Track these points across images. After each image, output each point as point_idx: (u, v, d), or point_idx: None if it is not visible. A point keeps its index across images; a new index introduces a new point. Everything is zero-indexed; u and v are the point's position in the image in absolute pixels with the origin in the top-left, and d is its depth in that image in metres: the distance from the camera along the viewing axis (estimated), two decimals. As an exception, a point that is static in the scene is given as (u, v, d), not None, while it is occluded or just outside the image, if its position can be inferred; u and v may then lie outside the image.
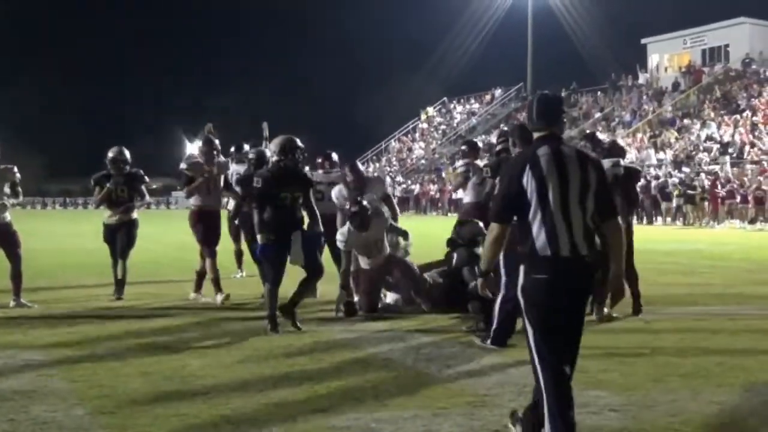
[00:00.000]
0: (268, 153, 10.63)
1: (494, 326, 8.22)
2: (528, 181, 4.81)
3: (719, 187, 34.26)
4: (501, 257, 6.11)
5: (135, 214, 11.89)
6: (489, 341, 8.22)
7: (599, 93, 60.33)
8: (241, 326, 9.51)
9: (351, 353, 8.00)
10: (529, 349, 4.88)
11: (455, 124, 70.11)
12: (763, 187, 32.26)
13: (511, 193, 4.89)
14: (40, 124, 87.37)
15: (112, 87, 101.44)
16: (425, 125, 71.16)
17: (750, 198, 32.70)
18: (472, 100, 72.65)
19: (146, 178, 12.18)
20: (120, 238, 11.65)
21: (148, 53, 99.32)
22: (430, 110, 73.37)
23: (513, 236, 5.00)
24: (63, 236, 27.09)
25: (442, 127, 70.40)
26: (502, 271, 8.03)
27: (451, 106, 74.05)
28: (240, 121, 71.69)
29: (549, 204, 4.78)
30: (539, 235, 4.78)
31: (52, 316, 10.12)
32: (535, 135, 5.10)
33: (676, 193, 34.97)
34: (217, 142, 11.57)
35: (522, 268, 4.92)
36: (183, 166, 11.60)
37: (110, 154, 11.79)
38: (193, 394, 6.44)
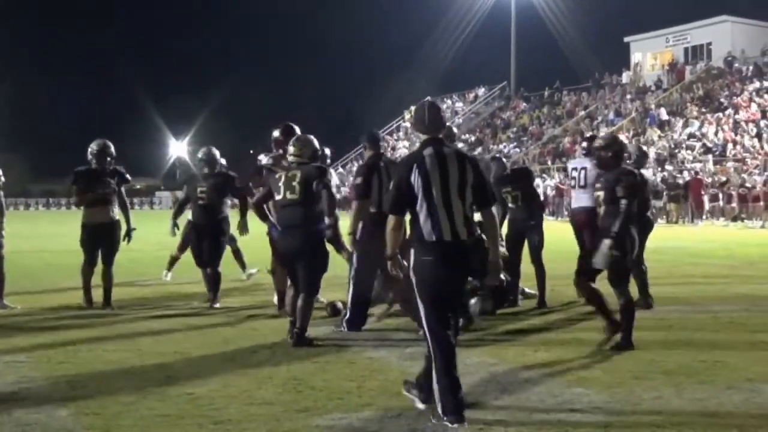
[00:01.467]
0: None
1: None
2: (415, 179, 5.77)
3: (703, 185, 34.48)
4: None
5: (116, 215, 10.94)
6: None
7: (583, 92, 60.48)
8: (226, 328, 9.52)
9: (335, 353, 7.99)
10: (419, 321, 6.00)
11: (439, 123, 70.17)
12: (747, 185, 32.43)
13: (402, 189, 5.84)
14: (22, 124, 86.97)
15: (94, 87, 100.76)
16: (409, 124, 71.14)
17: (734, 195, 32.85)
18: (456, 99, 72.77)
19: (128, 176, 11.36)
20: (104, 242, 10.77)
21: (132, 54, 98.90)
22: (414, 108, 73.27)
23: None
24: (47, 237, 27.03)
25: (426, 125, 70.44)
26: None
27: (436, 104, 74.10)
28: (224, 121, 71.83)
29: (433, 197, 5.75)
30: (426, 224, 5.76)
31: (35, 318, 10.12)
32: (423, 137, 6.08)
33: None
34: None
35: (412, 251, 5.87)
36: (265, 160, 10.58)
37: (94, 147, 10.88)
38: (177, 394, 6.44)
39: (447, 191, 5.76)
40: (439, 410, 5.60)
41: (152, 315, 10.37)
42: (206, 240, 10.86)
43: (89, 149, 10.93)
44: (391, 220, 5.91)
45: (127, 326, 9.61)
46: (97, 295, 10.87)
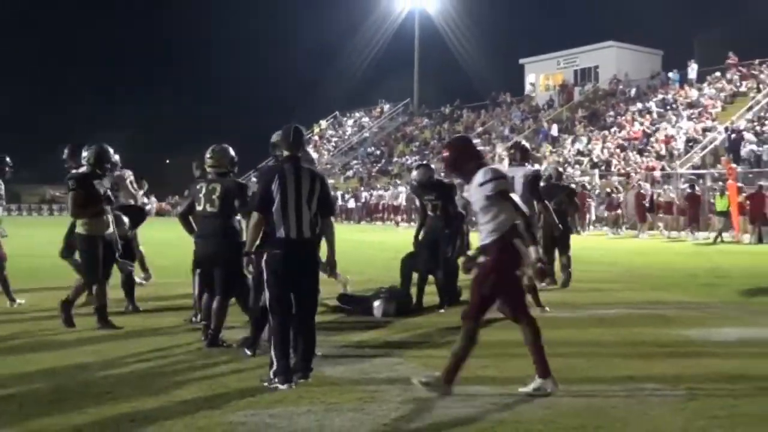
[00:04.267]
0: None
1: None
2: (275, 187, 6.81)
3: (588, 197, 35.28)
4: None
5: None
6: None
7: (481, 109, 61.35)
8: (144, 328, 9.43)
9: (249, 354, 7.95)
10: (265, 303, 7.00)
11: (346, 137, 70.45)
12: (643, 199, 32.88)
13: (265, 193, 6.85)
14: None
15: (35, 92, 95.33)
16: (317, 138, 71.13)
17: (622, 207, 33.49)
18: (363, 114, 73.02)
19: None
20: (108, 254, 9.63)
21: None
22: (323, 123, 73.49)
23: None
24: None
25: (334, 139, 70.57)
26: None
27: (343, 119, 74.36)
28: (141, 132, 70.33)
29: (287, 202, 6.78)
30: (278, 223, 6.80)
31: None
32: (285, 154, 7.12)
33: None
34: None
35: (267, 246, 6.92)
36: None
37: (97, 150, 9.54)
38: (96, 393, 6.38)
39: (299, 199, 6.83)
40: (271, 373, 6.66)
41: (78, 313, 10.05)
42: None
43: (88, 154, 9.53)
44: (254, 217, 6.97)
45: (47, 324, 9.49)
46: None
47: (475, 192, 6.48)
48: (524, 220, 6.38)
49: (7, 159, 11.39)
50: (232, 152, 8.66)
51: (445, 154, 7.03)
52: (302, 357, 6.91)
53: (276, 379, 6.58)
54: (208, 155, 8.55)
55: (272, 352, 6.75)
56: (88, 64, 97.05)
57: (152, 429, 5.53)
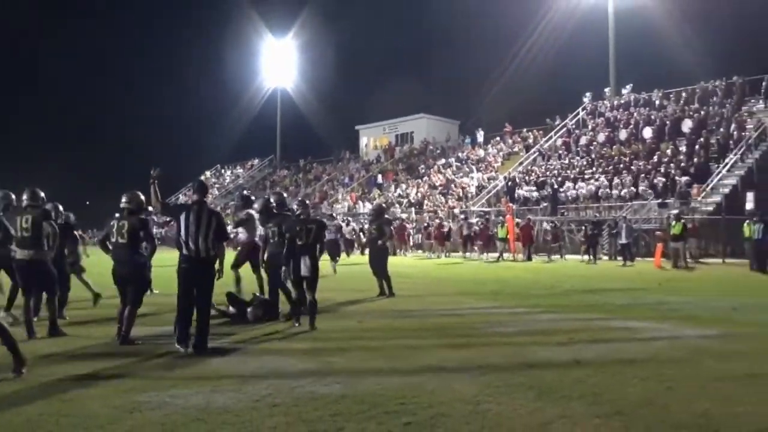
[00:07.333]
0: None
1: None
2: (183, 219, 7.78)
3: (407, 228, 36.02)
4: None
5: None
6: None
7: (327, 163, 61.68)
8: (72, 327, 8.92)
9: (153, 348, 7.73)
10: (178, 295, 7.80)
11: (225, 184, 69.32)
12: (443, 228, 33.71)
13: (180, 224, 7.79)
14: None
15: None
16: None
17: (433, 235, 34.10)
18: (238, 166, 72.17)
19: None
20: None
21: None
22: (208, 173, 72.03)
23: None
24: None
25: (216, 185, 69.15)
26: None
27: (222, 170, 73.17)
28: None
29: (189, 231, 7.73)
30: (185, 245, 7.75)
31: None
32: (194, 198, 8.14)
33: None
34: None
35: (178, 260, 7.80)
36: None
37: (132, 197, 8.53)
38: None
39: (198, 229, 7.74)
40: (175, 341, 7.71)
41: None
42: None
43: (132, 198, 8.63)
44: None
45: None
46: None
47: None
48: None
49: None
50: (142, 197, 8.62)
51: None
52: (197, 335, 7.71)
53: (178, 345, 7.68)
54: (124, 196, 8.50)
55: (176, 327, 7.83)
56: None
57: (75, 408, 5.34)
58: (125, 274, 8.31)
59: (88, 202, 64.75)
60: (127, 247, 8.29)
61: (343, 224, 35.32)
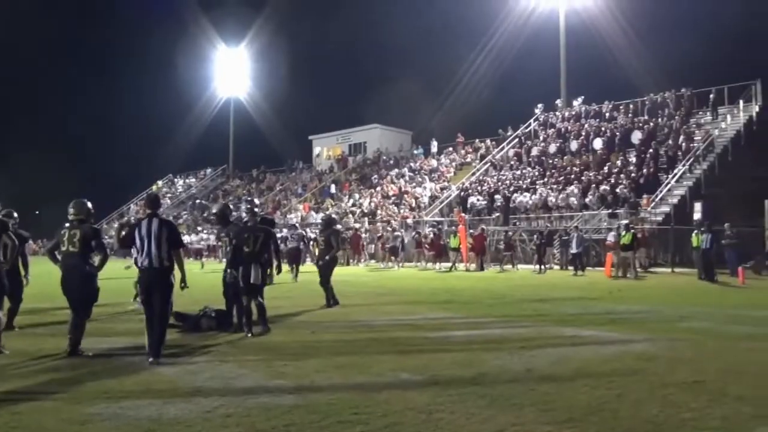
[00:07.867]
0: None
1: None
2: (138, 231, 7.80)
3: (360, 237, 36.01)
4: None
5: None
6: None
7: (280, 173, 61.39)
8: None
9: (107, 360, 7.61)
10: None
11: (178, 193, 68.43)
12: (391, 241, 33.76)
13: (133, 236, 7.84)
14: None
15: None
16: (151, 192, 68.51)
17: (381, 245, 34.24)
18: (191, 176, 71.38)
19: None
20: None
21: None
22: (160, 182, 71.04)
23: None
24: None
25: (168, 195, 68.19)
26: None
27: (175, 180, 72.27)
28: None
29: (144, 242, 7.71)
30: (140, 257, 7.75)
31: None
32: (148, 211, 8.12)
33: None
34: None
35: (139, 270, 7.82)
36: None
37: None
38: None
39: (150, 240, 7.71)
40: (147, 352, 7.59)
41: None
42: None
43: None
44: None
45: None
46: None
47: None
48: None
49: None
50: (89, 205, 8.47)
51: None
52: (155, 342, 7.65)
53: (149, 358, 7.58)
54: (70, 207, 8.32)
55: (147, 339, 7.70)
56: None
57: (26, 421, 5.24)
58: (74, 283, 8.12)
59: (37, 212, 63.24)
60: (78, 256, 8.13)
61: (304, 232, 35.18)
